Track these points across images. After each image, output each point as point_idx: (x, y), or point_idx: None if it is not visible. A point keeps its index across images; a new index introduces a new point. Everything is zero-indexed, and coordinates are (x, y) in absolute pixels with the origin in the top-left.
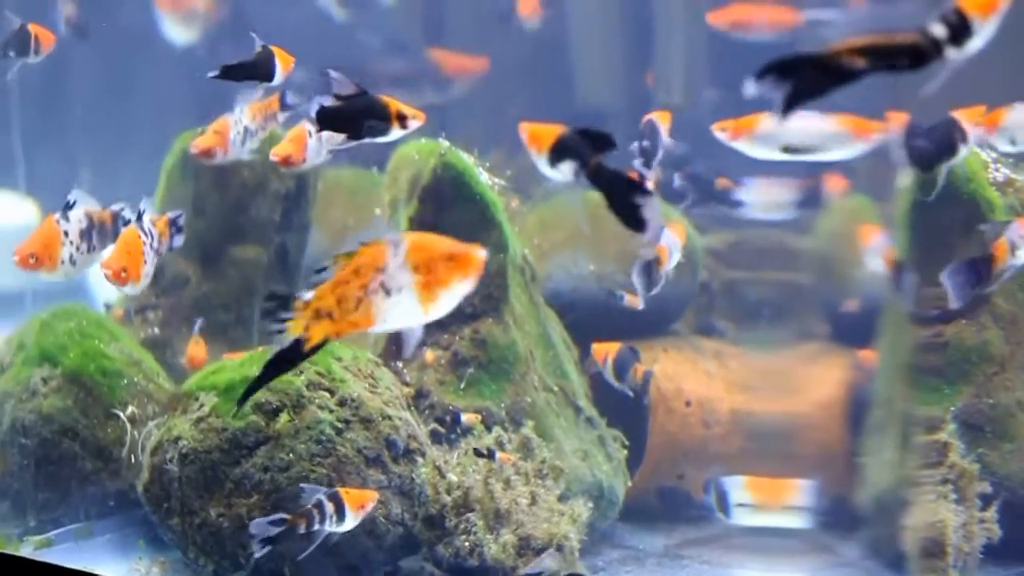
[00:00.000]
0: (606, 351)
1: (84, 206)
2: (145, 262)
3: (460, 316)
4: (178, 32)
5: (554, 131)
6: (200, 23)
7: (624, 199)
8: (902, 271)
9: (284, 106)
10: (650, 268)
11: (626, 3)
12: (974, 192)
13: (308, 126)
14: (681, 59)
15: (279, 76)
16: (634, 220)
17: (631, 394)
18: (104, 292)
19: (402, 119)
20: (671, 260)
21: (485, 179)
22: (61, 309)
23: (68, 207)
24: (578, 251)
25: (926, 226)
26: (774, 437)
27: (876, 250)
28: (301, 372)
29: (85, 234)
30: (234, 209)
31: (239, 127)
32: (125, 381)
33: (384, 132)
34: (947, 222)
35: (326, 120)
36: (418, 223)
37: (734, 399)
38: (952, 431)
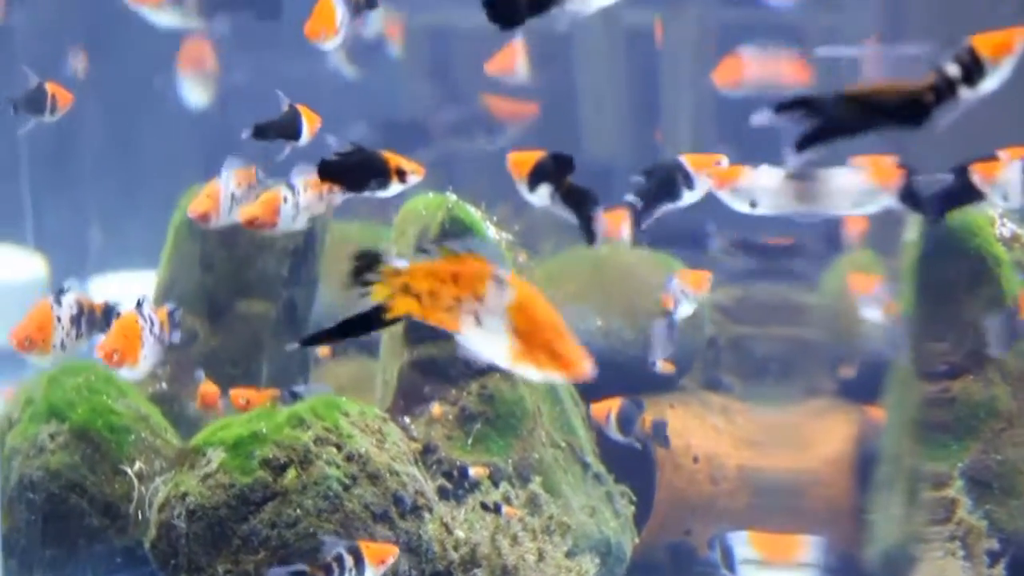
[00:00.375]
0: (607, 408)
1: (75, 293)
2: (143, 345)
3: (468, 371)
4: (197, 93)
5: (533, 157)
6: (216, 83)
7: (586, 212)
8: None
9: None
10: (672, 326)
11: (633, 60)
12: (980, 247)
13: (284, 191)
14: (689, 116)
15: (305, 135)
16: (590, 232)
17: (639, 446)
18: None
19: (401, 174)
20: (681, 308)
21: (492, 233)
22: (69, 365)
23: (61, 292)
24: (585, 306)
25: (931, 281)
26: (782, 493)
27: (872, 301)
28: (308, 427)
29: (75, 320)
30: (242, 264)
31: (227, 192)
32: (133, 437)
33: (384, 186)
34: (953, 277)
35: (326, 173)
36: None
37: (741, 455)
38: (960, 487)
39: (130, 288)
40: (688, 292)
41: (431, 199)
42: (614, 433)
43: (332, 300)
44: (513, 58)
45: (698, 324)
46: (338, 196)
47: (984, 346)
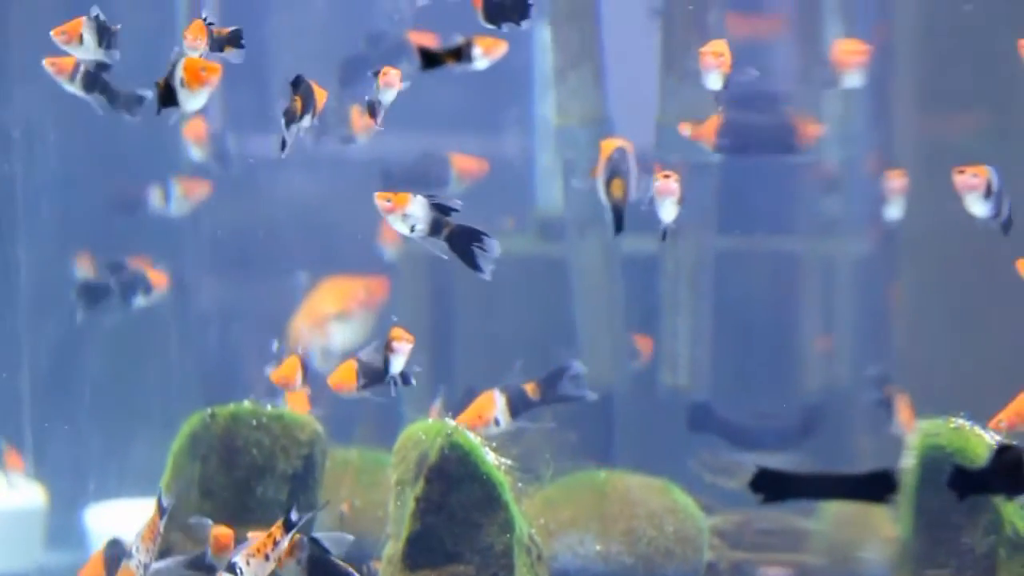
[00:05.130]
0: None
1: None
2: None
3: None
4: None
5: (406, 195)
6: None
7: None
8: None
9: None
10: None
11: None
12: None
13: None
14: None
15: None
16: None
17: None
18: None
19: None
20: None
21: (492, 458)
22: None
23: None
24: (584, 531)
25: (929, 505)
26: None
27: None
28: None
29: None
30: (241, 490)
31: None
32: None
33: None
34: (951, 501)
35: None
36: (425, 502)
37: None
38: None
39: (130, 517)
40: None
41: (430, 425)
42: None
43: (331, 525)
44: None
45: (697, 548)
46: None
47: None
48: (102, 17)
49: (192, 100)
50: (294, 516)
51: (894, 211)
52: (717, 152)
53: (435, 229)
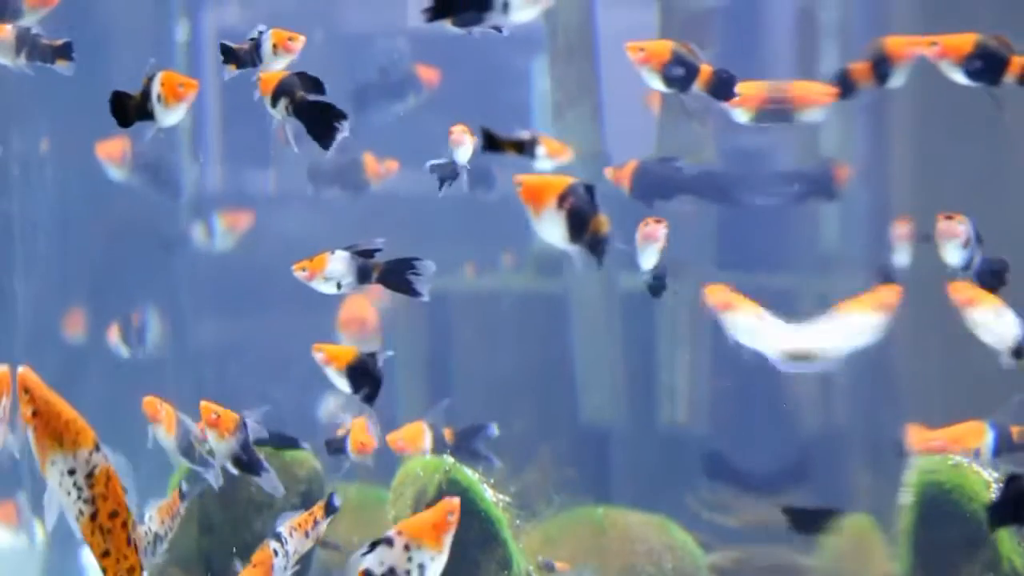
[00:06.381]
0: None
1: None
2: None
3: None
4: None
5: (323, 257)
6: None
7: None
8: None
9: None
10: None
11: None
12: (976, 512)
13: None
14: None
15: None
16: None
17: None
18: None
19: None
20: None
21: (490, 495)
22: None
23: None
24: (582, 567)
25: (928, 544)
26: None
27: None
28: None
29: None
30: (240, 525)
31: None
32: None
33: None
34: (949, 540)
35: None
36: None
37: None
38: None
39: None
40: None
41: (428, 461)
42: None
43: (328, 558)
44: None
45: None
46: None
47: None
48: None
49: (168, 115)
50: (336, 500)
51: (901, 258)
52: (633, 198)
53: (364, 277)
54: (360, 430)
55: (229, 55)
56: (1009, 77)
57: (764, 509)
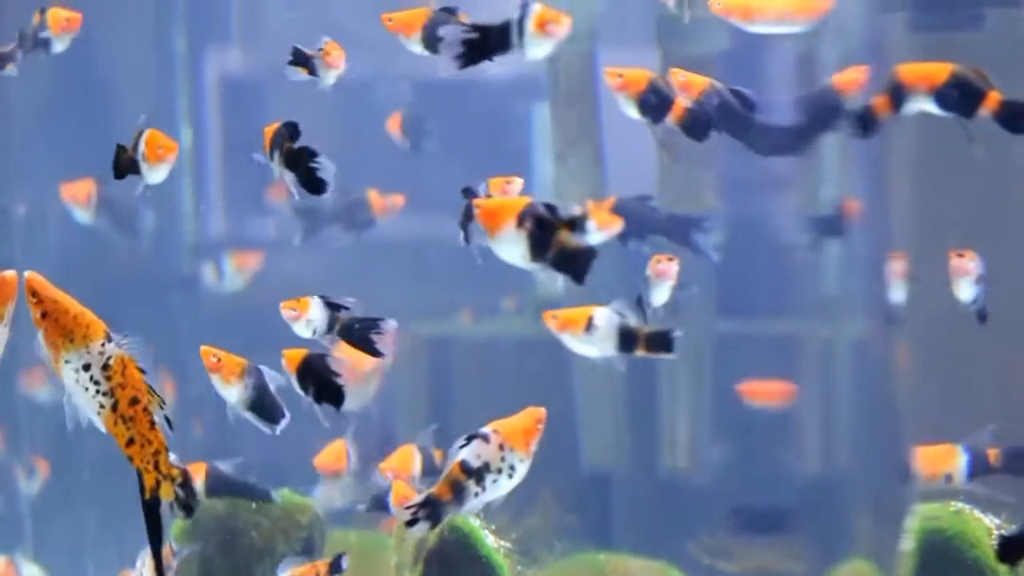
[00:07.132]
0: None
1: None
2: None
3: None
4: None
5: (306, 301)
6: None
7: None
8: None
9: None
10: None
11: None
12: (977, 558)
13: None
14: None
15: None
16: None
17: None
18: None
19: None
20: None
21: (491, 542)
22: None
23: None
24: None
25: None
26: None
27: None
28: None
29: None
30: (240, 572)
31: None
32: None
33: None
34: None
35: None
36: None
37: None
38: None
39: None
40: None
41: None
42: None
43: None
44: None
45: None
46: None
47: None
48: None
49: (153, 173)
50: (344, 562)
51: (897, 295)
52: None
53: (330, 327)
54: (402, 486)
55: (300, 59)
56: (984, 111)
57: (765, 554)
